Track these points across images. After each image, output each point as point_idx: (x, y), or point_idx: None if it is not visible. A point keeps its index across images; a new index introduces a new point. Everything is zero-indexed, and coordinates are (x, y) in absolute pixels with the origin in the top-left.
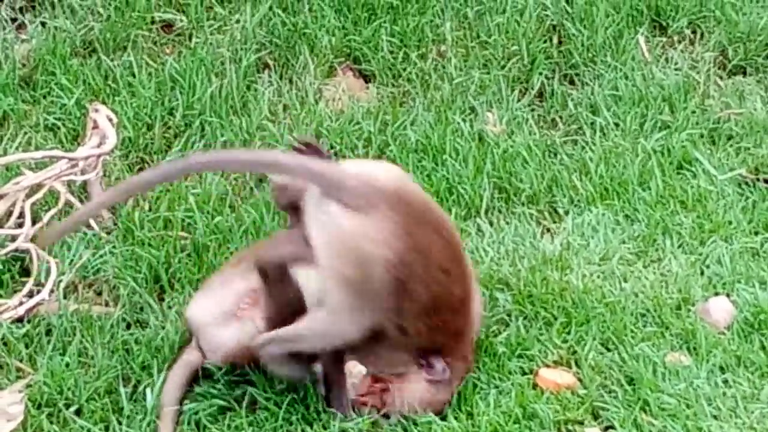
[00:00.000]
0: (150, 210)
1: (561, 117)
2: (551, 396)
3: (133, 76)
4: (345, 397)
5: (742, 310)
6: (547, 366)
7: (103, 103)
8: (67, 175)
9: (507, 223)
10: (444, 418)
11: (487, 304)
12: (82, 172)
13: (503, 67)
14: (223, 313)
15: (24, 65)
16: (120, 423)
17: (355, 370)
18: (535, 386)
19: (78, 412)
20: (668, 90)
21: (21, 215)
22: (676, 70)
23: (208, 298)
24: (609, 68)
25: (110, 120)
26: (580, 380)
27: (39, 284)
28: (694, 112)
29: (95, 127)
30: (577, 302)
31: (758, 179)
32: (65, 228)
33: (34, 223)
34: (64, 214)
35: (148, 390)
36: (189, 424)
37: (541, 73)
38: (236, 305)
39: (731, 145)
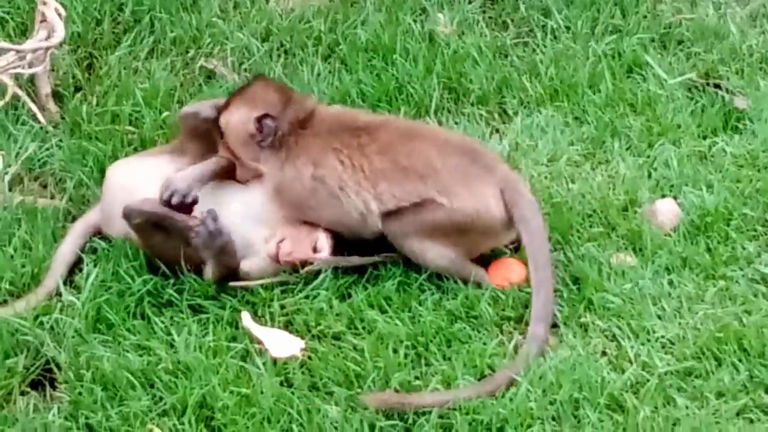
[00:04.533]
0: (97, 104)
1: (512, 19)
2: (493, 295)
3: None
4: None
5: (688, 213)
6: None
7: None
8: (14, 68)
9: (456, 123)
10: (390, 319)
11: None
12: (30, 65)
13: None
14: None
15: None
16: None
17: None
18: (479, 285)
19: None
20: None
21: None
22: None
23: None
24: None
25: (59, 14)
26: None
27: None
28: (645, 16)
29: (43, 20)
30: None
31: (708, 84)
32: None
33: None
34: (11, 107)
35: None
36: None
37: None
38: None
39: (682, 50)
